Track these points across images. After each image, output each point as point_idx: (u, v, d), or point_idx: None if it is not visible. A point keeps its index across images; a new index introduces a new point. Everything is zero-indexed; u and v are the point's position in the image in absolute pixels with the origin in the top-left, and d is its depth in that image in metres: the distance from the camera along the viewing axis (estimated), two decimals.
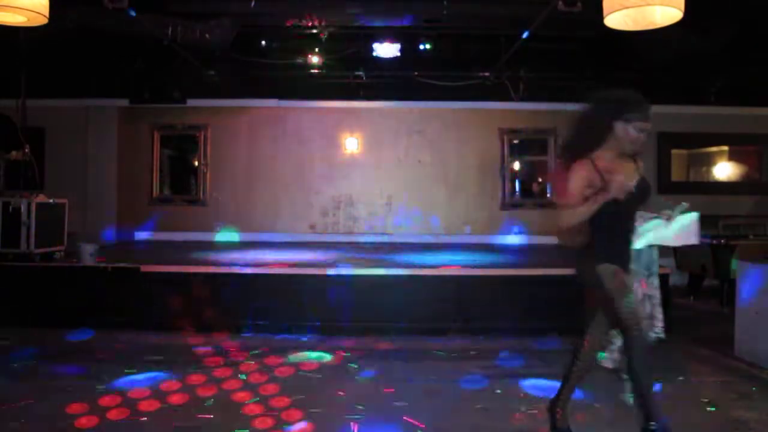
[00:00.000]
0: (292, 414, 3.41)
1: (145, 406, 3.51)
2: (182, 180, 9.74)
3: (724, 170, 9.84)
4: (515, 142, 9.74)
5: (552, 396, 3.12)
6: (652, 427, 2.73)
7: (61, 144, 9.26)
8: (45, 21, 4.21)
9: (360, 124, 9.59)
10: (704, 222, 9.46)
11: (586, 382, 3.25)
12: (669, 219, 3.43)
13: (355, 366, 4.41)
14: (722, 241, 6.80)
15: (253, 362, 4.46)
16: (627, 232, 2.93)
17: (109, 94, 9.24)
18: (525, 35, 6.93)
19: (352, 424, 3.31)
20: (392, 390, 3.87)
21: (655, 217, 3.58)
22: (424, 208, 9.54)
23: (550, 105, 9.52)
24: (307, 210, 9.50)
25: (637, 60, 7.73)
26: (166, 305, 5.37)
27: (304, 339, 5.20)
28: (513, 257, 6.94)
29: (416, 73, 8.68)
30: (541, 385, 4.01)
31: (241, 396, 3.72)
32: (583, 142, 2.89)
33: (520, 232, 9.42)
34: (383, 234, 9.40)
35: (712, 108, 9.35)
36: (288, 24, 6.88)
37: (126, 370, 4.14)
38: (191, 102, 9.24)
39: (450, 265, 6.03)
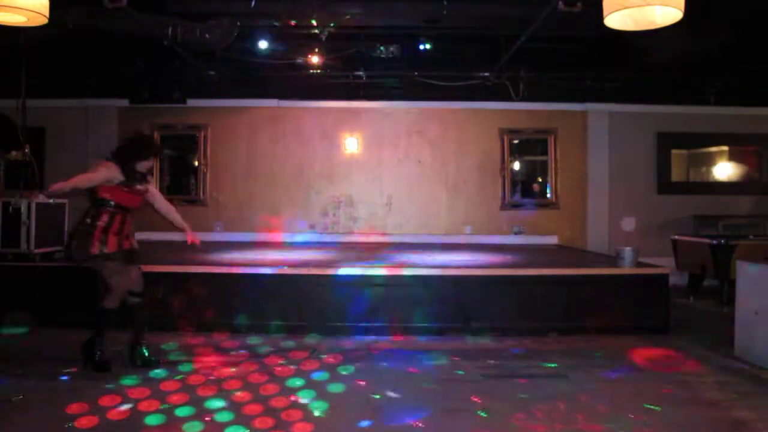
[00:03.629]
0: (292, 414, 3.42)
1: (145, 405, 3.51)
2: (182, 180, 9.75)
3: (724, 170, 9.84)
4: (515, 142, 9.74)
5: None
6: None
7: (61, 144, 9.27)
8: (45, 21, 4.20)
9: (360, 124, 9.60)
10: (704, 222, 9.57)
11: None
12: None
13: (355, 366, 4.41)
14: (722, 241, 6.79)
15: (253, 362, 4.47)
16: None
17: (109, 94, 9.25)
18: (525, 36, 6.93)
19: (351, 424, 3.31)
20: (392, 390, 3.88)
21: None
22: (424, 208, 9.55)
23: (550, 105, 9.54)
24: (307, 210, 9.50)
25: (637, 60, 7.73)
26: (166, 305, 5.36)
27: (304, 339, 5.20)
28: (513, 257, 6.93)
29: (416, 73, 8.68)
30: (541, 385, 4.01)
31: (241, 396, 3.72)
32: None
33: (520, 232, 9.43)
34: (383, 234, 9.40)
35: (712, 108, 9.37)
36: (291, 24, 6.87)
37: (126, 369, 4.14)
38: (191, 102, 9.24)
39: (450, 265, 6.03)
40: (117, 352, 4.28)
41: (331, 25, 6.76)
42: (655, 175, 9.66)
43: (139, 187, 4.31)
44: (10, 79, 6.33)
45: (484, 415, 3.45)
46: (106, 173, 4.14)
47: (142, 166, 4.30)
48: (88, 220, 4.15)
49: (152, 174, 4.65)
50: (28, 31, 5.12)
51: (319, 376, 4.16)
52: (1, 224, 5.56)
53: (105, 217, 4.14)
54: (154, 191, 4.52)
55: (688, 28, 4.32)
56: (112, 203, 4.17)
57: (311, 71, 8.42)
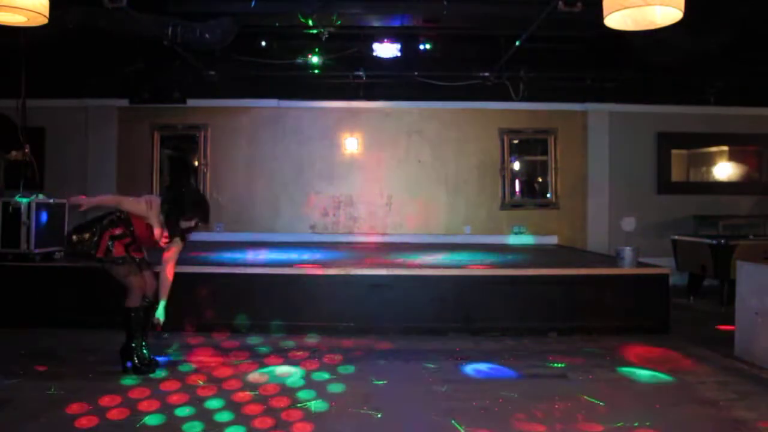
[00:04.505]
0: (292, 414, 3.42)
1: (145, 406, 3.51)
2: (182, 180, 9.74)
3: (724, 170, 9.84)
4: (515, 142, 9.75)
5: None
6: None
7: (61, 144, 9.27)
8: (45, 21, 4.21)
9: (360, 124, 9.60)
10: (704, 222, 9.56)
11: None
12: None
13: (355, 366, 4.41)
14: (722, 241, 6.79)
15: (253, 362, 4.47)
16: None
17: (109, 94, 9.26)
18: (524, 36, 6.93)
19: (351, 424, 3.31)
20: (392, 390, 3.88)
21: None
22: (424, 208, 9.55)
23: (550, 105, 9.55)
24: (307, 210, 9.50)
25: (637, 60, 7.73)
26: (166, 305, 5.35)
27: (305, 339, 5.20)
28: (513, 257, 6.93)
29: (416, 73, 8.68)
30: (541, 385, 4.01)
31: (241, 396, 3.72)
32: None
33: (520, 232, 9.43)
34: (383, 234, 9.40)
35: (712, 108, 9.37)
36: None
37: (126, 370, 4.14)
38: (191, 102, 9.24)
39: (450, 265, 6.03)
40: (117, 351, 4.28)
41: (338, 22, 6.73)
42: (655, 175, 9.67)
43: (163, 243, 4.15)
44: (10, 79, 6.33)
45: (486, 414, 3.45)
46: (144, 210, 4.07)
47: (185, 223, 4.18)
48: (104, 222, 4.10)
49: (190, 234, 4.37)
50: (28, 31, 5.12)
51: (319, 376, 4.16)
52: (1, 224, 5.56)
53: (119, 230, 4.10)
54: (175, 248, 4.21)
55: (688, 28, 4.32)
56: (132, 228, 4.12)
57: (311, 71, 8.42)
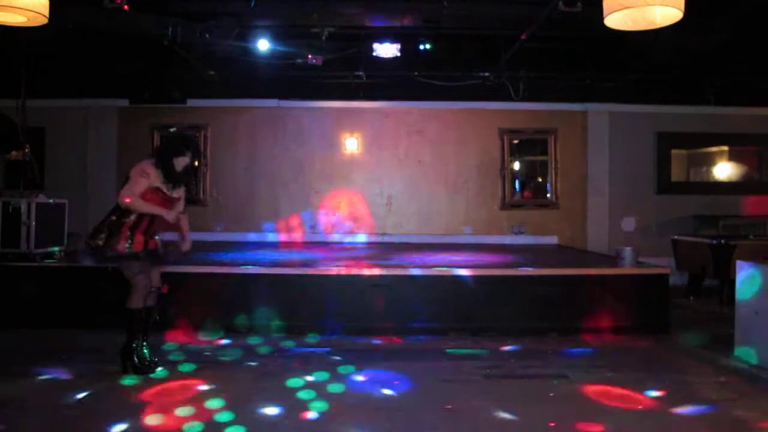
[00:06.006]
0: (292, 414, 3.42)
1: (145, 406, 3.51)
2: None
3: (724, 170, 9.84)
4: (515, 142, 9.75)
5: None
6: None
7: (61, 144, 9.27)
8: (45, 21, 4.21)
9: (360, 124, 9.60)
10: (704, 222, 9.54)
11: None
12: None
13: (355, 366, 4.41)
14: (722, 241, 6.79)
15: (253, 362, 4.47)
16: None
17: (109, 94, 9.25)
18: (524, 36, 6.93)
19: (351, 424, 3.31)
20: (392, 390, 3.88)
21: None
22: (424, 208, 9.55)
23: (550, 105, 9.54)
24: (307, 210, 9.50)
25: (637, 60, 7.73)
26: (166, 305, 5.36)
27: (305, 339, 5.20)
28: (513, 257, 6.93)
29: (416, 73, 8.68)
30: (541, 385, 4.01)
31: (241, 396, 3.71)
32: None
33: (520, 232, 9.43)
34: (383, 234, 9.40)
35: (712, 108, 9.37)
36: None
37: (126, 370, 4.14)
38: (191, 102, 9.24)
39: (450, 265, 6.03)
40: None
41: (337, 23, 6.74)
42: (655, 175, 9.67)
43: (174, 195, 4.24)
44: (10, 79, 6.34)
45: (486, 414, 3.45)
46: (146, 183, 4.09)
47: (178, 163, 4.22)
48: (114, 217, 4.09)
49: (192, 174, 4.52)
50: (28, 31, 5.12)
51: (319, 376, 4.16)
52: (1, 224, 5.56)
53: (133, 216, 4.09)
54: (182, 197, 4.39)
55: (688, 28, 4.32)
56: None
57: (311, 71, 8.42)
